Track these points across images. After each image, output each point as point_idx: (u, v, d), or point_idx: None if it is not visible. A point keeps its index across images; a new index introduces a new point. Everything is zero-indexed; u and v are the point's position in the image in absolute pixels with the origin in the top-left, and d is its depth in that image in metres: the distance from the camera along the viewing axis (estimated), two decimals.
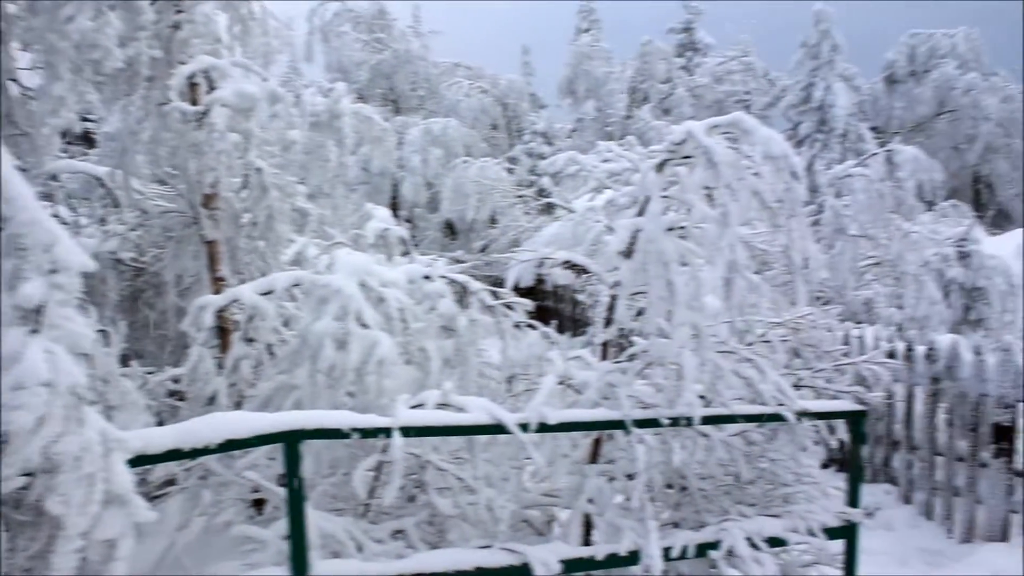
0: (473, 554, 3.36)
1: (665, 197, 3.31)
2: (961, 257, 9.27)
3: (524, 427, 3.18)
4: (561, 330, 15.20)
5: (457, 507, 3.61)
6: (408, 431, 3.10)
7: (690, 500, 4.04)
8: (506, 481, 3.43)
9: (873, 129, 37.57)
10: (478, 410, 3.15)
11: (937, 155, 36.20)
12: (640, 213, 3.28)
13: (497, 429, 3.19)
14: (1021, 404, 6.06)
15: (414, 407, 3.30)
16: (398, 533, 3.69)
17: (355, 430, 3.03)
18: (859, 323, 8.79)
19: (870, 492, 7.08)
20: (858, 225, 8.98)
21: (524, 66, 36.62)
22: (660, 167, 3.27)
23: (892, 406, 7.06)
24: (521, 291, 13.73)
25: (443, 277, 3.94)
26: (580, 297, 12.53)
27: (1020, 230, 20.40)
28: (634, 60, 37.29)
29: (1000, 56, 48.41)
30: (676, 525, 4.03)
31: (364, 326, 3.57)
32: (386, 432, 3.09)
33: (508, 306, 3.96)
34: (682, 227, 3.30)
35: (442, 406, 3.29)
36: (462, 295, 4.10)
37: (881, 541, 6.42)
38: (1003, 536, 6.08)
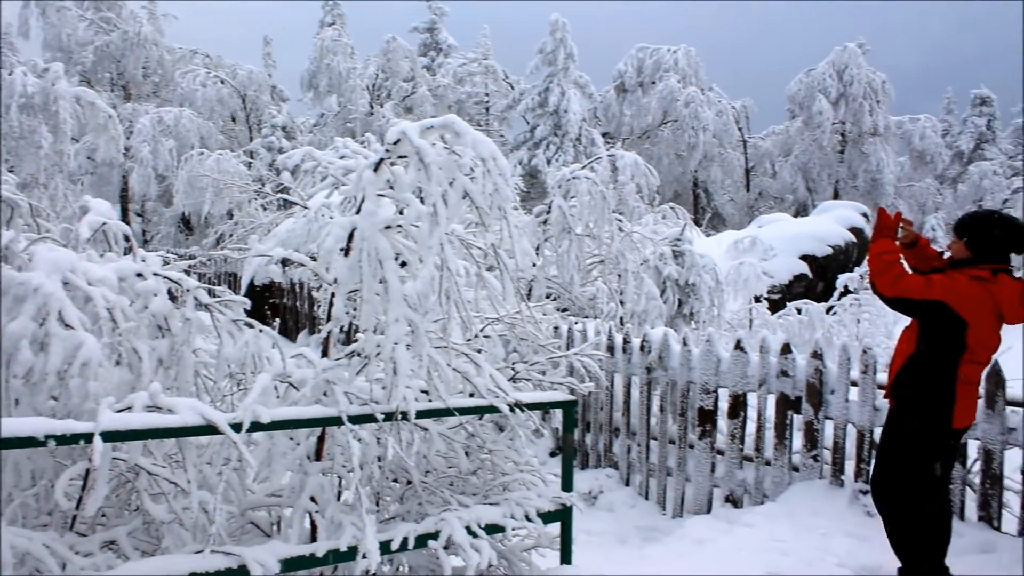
0: (187, 559, 3.25)
1: (382, 195, 3.35)
2: (676, 256, 9.99)
3: (237, 427, 3.12)
4: (299, 327, 14.91)
5: (172, 512, 3.48)
6: (111, 436, 2.95)
7: (414, 493, 4.13)
8: (223, 483, 3.34)
9: (605, 135, 39.93)
10: (187, 411, 3.06)
11: (662, 161, 39.07)
12: (358, 211, 3.30)
13: (208, 430, 3.11)
14: (721, 389, 6.65)
15: (121, 410, 3.15)
16: (110, 544, 3.51)
17: (51, 437, 2.85)
18: (585, 317, 9.29)
19: (594, 477, 7.50)
20: (584, 224, 9.46)
21: (266, 57, 35.61)
22: (376, 166, 3.31)
23: (612, 395, 7.51)
24: (259, 288, 13.31)
25: (157, 274, 3.77)
26: (316, 294, 12.39)
27: (731, 232, 22.37)
28: (377, 57, 37.32)
29: (713, 72, 52.61)
30: (403, 518, 4.10)
31: (67, 326, 3.36)
32: (88, 438, 2.93)
33: (227, 304, 3.86)
34: (399, 225, 3.36)
35: (151, 408, 3.16)
36: (179, 293, 3.95)
37: (603, 522, 6.81)
38: (708, 508, 6.64)
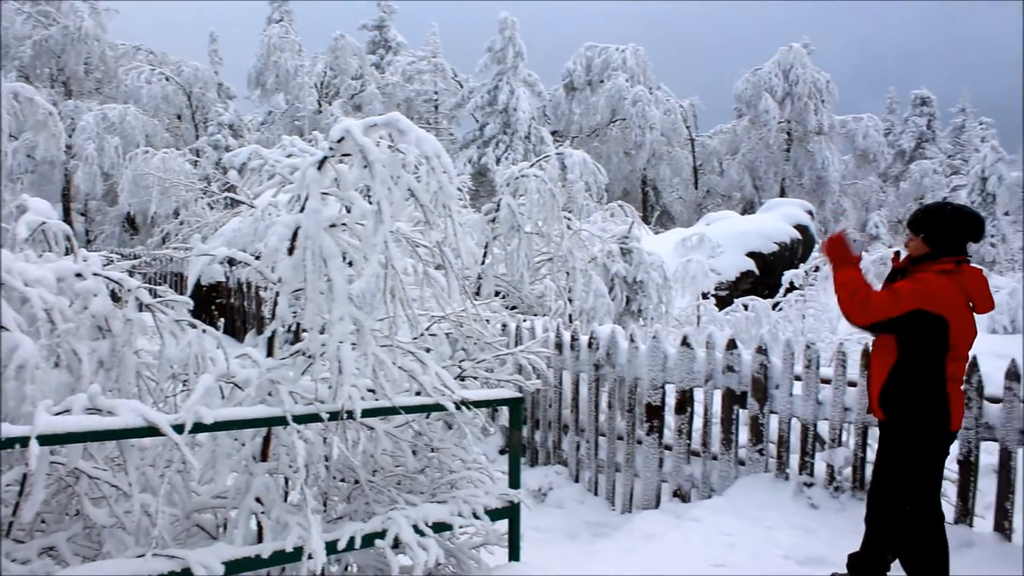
0: (129, 563, 3.20)
1: (327, 194, 3.34)
2: (624, 253, 10.05)
3: (180, 428, 3.08)
4: (246, 327, 14.72)
5: (113, 516, 3.43)
6: (49, 439, 2.90)
7: (361, 492, 4.11)
8: (166, 485, 3.30)
9: (555, 133, 40.10)
10: (128, 413, 3.01)
11: (611, 159, 39.35)
12: (302, 210, 3.28)
13: (150, 431, 3.07)
14: (668, 385, 6.71)
15: (59, 413, 3.09)
16: (49, 550, 3.45)
17: None
18: (534, 315, 9.31)
19: (543, 474, 7.53)
20: (533, 223, 9.47)
21: (212, 54, 35.12)
22: (320, 164, 3.29)
23: (561, 392, 7.54)
24: (206, 288, 13.10)
25: (97, 274, 3.71)
26: (263, 294, 12.26)
27: (679, 229, 22.58)
28: (325, 54, 37.05)
29: (662, 71, 53.04)
30: (351, 518, 4.09)
31: (2, 328, 3.29)
32: (24, 442, 2.87)
33: (170, 304, 3.81)
34: (344, 224, 3.34)
35: (91, 410, 3.10)
36: (122, 293, 3.89)
37: (553, 518, 6.84)
38: (656, 503, 6.69)
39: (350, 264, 3.56)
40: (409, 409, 3.75)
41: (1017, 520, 5.08)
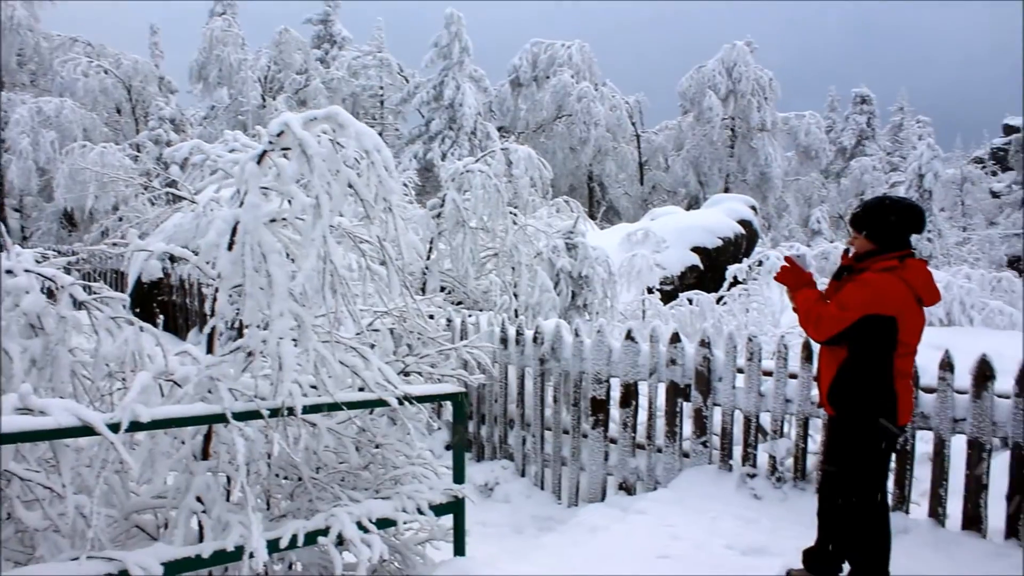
0: (63, 567, 3.13)
1: (266, 188, 3.29)
2: (569, 248, 10.07)
3: (116, 427, 3.02)
4: (189, 325, 14.42)
5: (47, 519, 3.35)
6: None
7: (304, 490, 4.07)
8: (101, 486, 3.23)
9: (501, 129, 40.11)
10: (61, 412, 2.94)
11: (557, 155, 39.47)
12: (241, 205, 3.23)
13: (84, 431, 3.00)
14: (613, 379, 6.75)
15: None
16: None
17: None
18: (479, 310, 9.30)
19: (490, 468, 7.53)
20: (478, 218, 9.46)
21: (152, 47, 34.43)
22: (260, 158, 3.24)
23: (506, 387, 7.54)
24: (148, 285, 12.78)
25: (29, 271, 3.62)
26: (206, 291, 12.07)
27: (625, 224, 22.70)
28: (269, 48, 36.59)
29: (607, 68, 53.24)
30: (294, 516, 4.04)
31: None
32: None
33: (106, 300, 3.72)
34: (284, 219, 3.30)
35: (23, 411, 3.03)
36: (55, 290, 3.80)
37: (499, 513, 6.85)
38: (602, 496, 6.74)
39: (292, 260, 3.52)
40: (352, 405, 3.72)
41: (951, 506, 5.20)
